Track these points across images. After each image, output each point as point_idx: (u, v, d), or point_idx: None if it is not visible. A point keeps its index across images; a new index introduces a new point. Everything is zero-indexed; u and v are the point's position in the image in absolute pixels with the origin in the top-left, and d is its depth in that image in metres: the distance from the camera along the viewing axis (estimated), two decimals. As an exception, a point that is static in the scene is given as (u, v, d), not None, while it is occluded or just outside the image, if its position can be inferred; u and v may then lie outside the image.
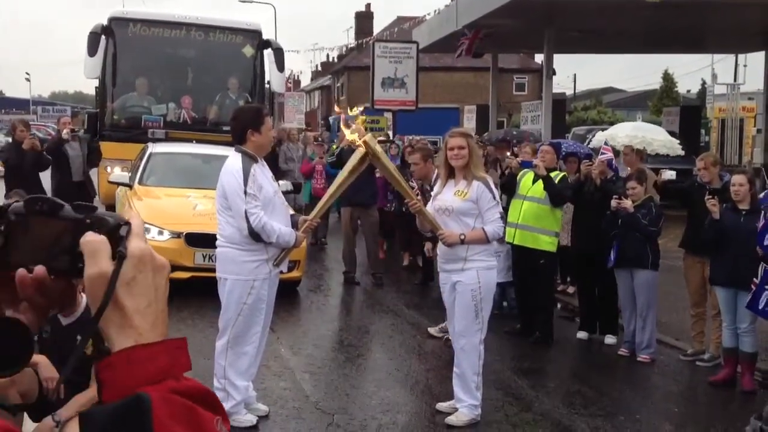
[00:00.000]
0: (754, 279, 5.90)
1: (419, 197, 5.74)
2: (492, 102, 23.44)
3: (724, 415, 5.94)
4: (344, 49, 43.76)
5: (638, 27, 18.81)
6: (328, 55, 52.85)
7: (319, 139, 14.89)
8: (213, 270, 5.40)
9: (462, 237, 5.23)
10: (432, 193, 5.64)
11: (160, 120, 12.54)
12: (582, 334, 7.89)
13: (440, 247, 5.47)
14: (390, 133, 17.65)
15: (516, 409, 5.80)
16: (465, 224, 5.29)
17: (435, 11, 24.00)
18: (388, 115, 19.17)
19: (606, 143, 8.84)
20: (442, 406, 5.60)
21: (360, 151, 5.00)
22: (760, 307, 5.94)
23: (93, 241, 0.94)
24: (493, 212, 5.34)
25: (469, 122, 22.67)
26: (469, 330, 5.35)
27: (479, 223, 5.30)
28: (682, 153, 13.48)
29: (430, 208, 5.43)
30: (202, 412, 0.88)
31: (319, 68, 56.57)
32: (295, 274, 8.60)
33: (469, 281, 5.29)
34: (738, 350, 6.46)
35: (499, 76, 23.91)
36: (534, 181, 7.53)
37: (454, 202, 5.31)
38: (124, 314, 0.92)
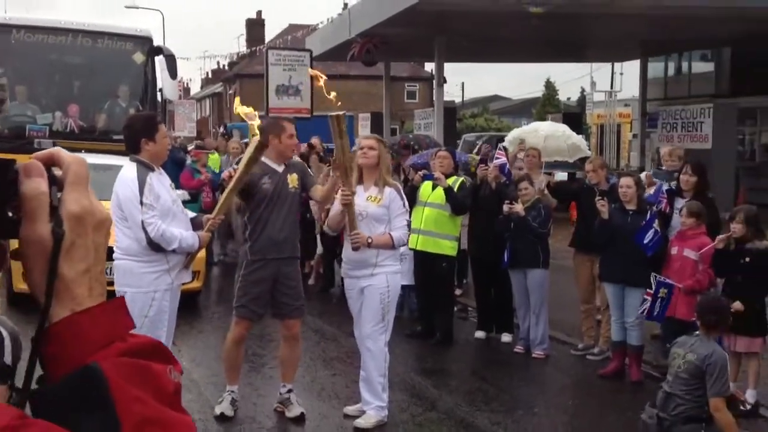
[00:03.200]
0: (648, 290, 6.24)
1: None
2: (385, 110, 23.76)
3: (614, 405, 6.26)
4: (235, 56, 43.28)
5: (524, 37, 19.52)
6: (218, 63, 52.12)
7: (204, 146, 14.53)
8: (110, 284, 5.26)
9: (369, 240, 5.32)
10: (337, 196, 5.65)
11: (45, 129, 12.04)
12: (480, 334, 8.15)
13: (347, 254, 5.51)
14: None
15: (421, 409, 5.95)
16: (375, 229, 5.36)
17: (328, 19, 24.15)
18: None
19: (501, 148, 9.13)
20: (349, 409, 5.68)
21: (255, 140, 4.86)
22: (655, 314, 6.32)
23: (33, 197, 0.86)
24: (401, 219, 5.47)
25: (364, 129, 22.88)
26: (375, 333, 5.46)
27: (387, 229, 5.40)
28: (590, 153, 14.05)
29: (338, 206, 5.43)
30: (155, 366, 0.86)
31: (210, 76, 55.67)
32: (195, 284, 8.46)
33: (379, 285, 5.39)
34: (626, 343, 6.85)
35: (391, 84, 24.26)
36: (434, 188, 7.71)
37: (368, 207, 5.36)
38: (62, 283, 0.86)
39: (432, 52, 19.94)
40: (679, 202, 6.89)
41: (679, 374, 4.65)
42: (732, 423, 4.55)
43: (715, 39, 21.51)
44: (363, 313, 5.48)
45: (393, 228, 5.41)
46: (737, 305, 5.67)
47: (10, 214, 0.86)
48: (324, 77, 5.31)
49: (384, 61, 23.22)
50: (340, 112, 4.92)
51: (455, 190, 7.58)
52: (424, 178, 7.88)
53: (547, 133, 12.34)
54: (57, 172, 0.89)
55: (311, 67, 19.66)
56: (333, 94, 5.00)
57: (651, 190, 7.56)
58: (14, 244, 0.91)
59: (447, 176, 7.64)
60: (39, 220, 0.86)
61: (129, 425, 0.81)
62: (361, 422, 5.46)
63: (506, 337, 7.99)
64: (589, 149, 27.29)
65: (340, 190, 5.27)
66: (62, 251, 0.85)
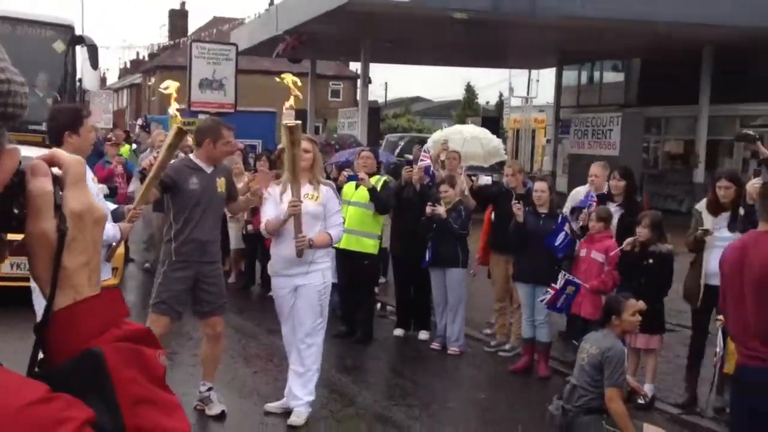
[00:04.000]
0: (553, 284, 6.59)
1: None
2: (310, 107, 23.81)
3: (523, 398, 6.59)
4: (156, 47, 42.42)
5: (445, 41, 19.92)
6: (138, 53, 50.95)
7: (112, 138, 14.24)
8: (25, 279, 5.15)
9: (311, 242, 5.39)
10: (266, 196, 5.72)
11: (-43, 117, 11.65)
12: (399, 332, 8.38)
13: (280, 252, 5.55)
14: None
15: (340, 405, 6.13)
16: (312, 227, 5.42)
17: (255, 14, 24.02)
18: (204, 117, 18.88)
19: (425, 150, 9.38)
20: (270, 406, 5.76)
21: (175, 126, 4.79)
22: (558, 306, 6.68)
23: (39, 195, 0.93)
24: (337, 217, 5.60)
25: (286, 126, 22.88)
26: (315, 329, 5.58)
27: (322, 227, 5.50)
28: (506, 157, 14.47)
29: (275, 211, 5.47)
30: (146, 351, 0.94)
31: (128, 66, 54.32)
32: (112, 281, 8.39)
33: (316, 282, 5.50)
34: (535, 340, 7.21)
35: (316, 82, 24.35)
36: (357, 187, 7.86)
37: (307, 206, 5.39)
38: (64, 274, 0.93)
39: (358, 51, 20.14)
40: (612, 206, 7.18)
41: (584, 367, 4.98)
42: (624, 413, 4.88)
43: (626, 50, 22.48)
44: (301, 311, 5.52)
45: (329, 226, 5.51)
46: (641, 305, 6.05)
47: (16, 210, 0.93)
48: (296, 93, 5.39)
49: (310, 58, 23.29)
50: (295, 122, 5.00)
51: (378, 189, 7.75)
52: (349, 179, 8.02)
53: (471, 136, 12.68)
54: (56, 171, 0.96)
55: (236, 62, 19.58)
56: (289, 103, 5.08)
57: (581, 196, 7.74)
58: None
59: (370, 175, 7.77)
60: (44, 217, 0.93)
61: (127, 404, 0.89)
62: (295, 420, 5.53)
63: (423, 335, 8.24)
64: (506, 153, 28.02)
65: (288, 200, 5.27)
66: (65, 245, 0.93)
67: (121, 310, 0.97)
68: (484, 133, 13.43)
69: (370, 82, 21.01)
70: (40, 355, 0.95)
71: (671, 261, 6.33)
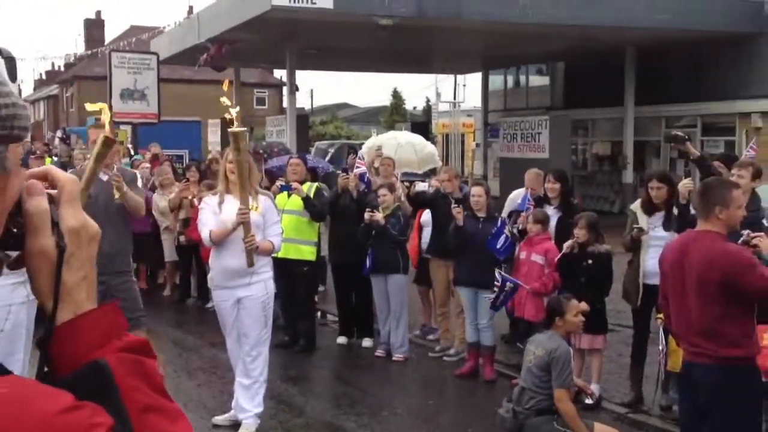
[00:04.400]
0: (496, 282, 6.64)
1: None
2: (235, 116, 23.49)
3: (470, 402, 6.61)
4: (73, 57, 41.19)
5: (370, 47, 19.95)
6: (53, 63, 49.39)
7: (36, 151, 13.80)
8: None
9: (257, 246, 5.31)
10: (202, 206, 5.60)
11: None
12: (342, 339, 8.31)
13: (222, 265, 5.45)
14: (130, 147, 16.96)
15: (289, 415, 6.04)
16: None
17: (175, 23, 23.55)
18: (127, 128, 18.40)
19: (360, 157, 9.34)
20: (218, 419, 5.66)
21: (102, 136, 4.76)
22: (499, 303, 6.74)
23: (36, 213, 0.95)
24: (276, 227, 5.54)
25: (214, 135, 22.48)
26: (260, 340, 5.50)
27: (261, 238, 5.41)
28: (440, 163, 14.52)
29: (215, 221, 5.38)
30: (147, 361, 0.98)
31: (44, 77, 52.62)
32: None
33: (259, 293, 5.41)
34: (479, 344, 7.24)
35: (241, 90, 24.06)
36: (289, 195, 7.75)
37: (249, 216, 5.32)
38: (64, 289, 0.97)
39: (283, 59, 19.97)
40: (549, 209, 7.27)
41: (531, 369, 5.02)
42: (574, 413, 4.94)
43: (550, 54, 22.97)
44: (246, 323, 5.45)
45: (268, 236, 5.46)
46: (583, 306, 6.14)
47: (15, 229, 0.96)
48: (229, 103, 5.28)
49: (234, 66, 22.99)
50: (240, 129, 4.93)
51: (311, 196, 7.69)
52: (281, 189, 7.88)
53: (405, 141, 12.72)
54: (50, 191, 0.99)
55: (158, 71, 19.17)
56: (231, 109, 4.99)
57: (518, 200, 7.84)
58: None
59: (301, 183, 7.71)
60: (42, 234, 0.96)
61: (135, 412, 0.91)
62: None
63: (367, 342, 8.19)
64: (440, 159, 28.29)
65: (238, 208, 5.17)
66: (64, 261, 0.96)
67: (120, 323, 1.00)
68: (419, 139, 13.50)
69: (297, 89, 20.87)
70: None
71: (610, 261, 6.45)
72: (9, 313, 4.71)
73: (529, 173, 7.93)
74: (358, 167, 8.44)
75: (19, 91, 45.68)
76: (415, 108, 49.84)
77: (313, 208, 7.64)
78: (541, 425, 4.94)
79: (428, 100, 43.55)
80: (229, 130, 4.97)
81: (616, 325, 7.72)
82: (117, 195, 5.37)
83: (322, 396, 6.58)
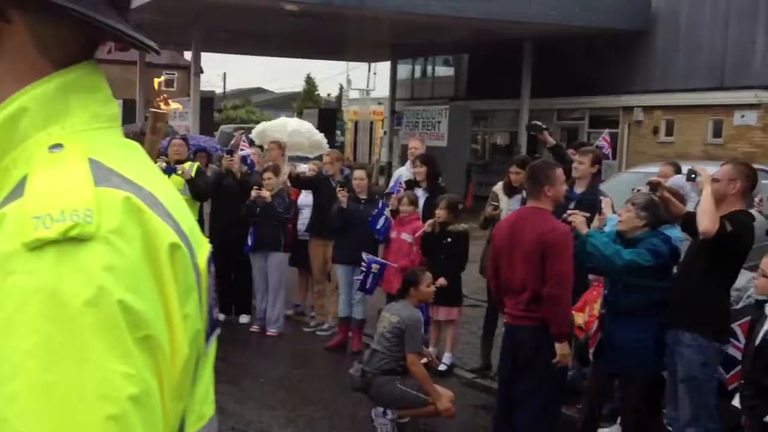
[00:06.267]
0: (363, 265, 6.94)
1: None
2: (139, 97, 23.19)
3: (334, 371, 6.86)
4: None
5: (281, 32, 20.03)
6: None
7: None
8: None
9: None
10: None
11: None
12: (219, 316, 8.48)
13: None
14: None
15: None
16: None
17: (77, 0, 22.96)
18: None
19: (245, 140, 9.51)
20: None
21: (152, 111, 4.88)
22: (367, 287, 7.05)
23: None
24: None
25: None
26: None
27: None
28: (328, 149, 14.73)
29: None
30: None
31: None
32: None
33: None
34: (351, 318, 7.56)
35: (147, 71, 23.72)
36: (169, 175, 7.87)
37: None
38: None
39: (189, 40, 19.83)
40: (418, 191, 7.60)
41: (384, 334, 5.38)
42: (426, 375, 5.33)
43: (455, 46, 23.52)
44: None
45: None
46: (441, 281, 6.53)
47: None
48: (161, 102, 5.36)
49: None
50: (163, 110, 5.04)
51: (193, 174, 7.85)
52: (165, 171, 7.96)
53: (294, 129, 12.95)
54: None
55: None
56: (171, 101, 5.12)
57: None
58: None
59: (183, 161, 7.86)
60: None
61: None
62: None
63: (244, 318, 8.40)
64: (342, 144, 28.51)
65: None
66: None
67: None
68: (307, 126, 13.79)
69: (201, 71, 20.76)
70: None
71: (467, 239, 6.87)
72: None
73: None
74: (242, 149, 8.62)
75: None
76: (329, 95, 49.97)
77: (197, 188, 7.81)
78: (385, 384, 5.32)
79: (341, 87, 43.77)
80: (151, 109, 5.11)
81: (481, 300, 8.15)
82: None
83: (189, 367, 6.75)
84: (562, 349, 4.37)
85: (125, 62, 29.83)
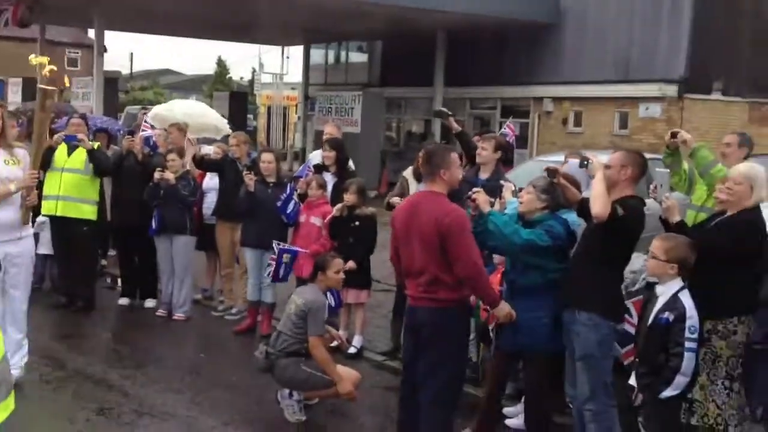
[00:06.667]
0: (272, 256, 6.88)
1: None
2: (39, 75, 22.25)
3: (242, 355, 6.78)
4: None
5: (189, 12, 19.56)
6: None
7: None
8: None
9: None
10: None
11: None
12: (123, 301, 8.29)
13: None
14: None
15: (50, 368, 6.04)
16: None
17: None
18: None
19: (146, 122, 9.28)
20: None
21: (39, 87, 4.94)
22: (281, 276, 6.99)
23: None
24: None
25: (15, 95, 21.21)
26: (26, 296, 5.59)
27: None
28: (230, 132, 14.47)
29: None
30: None
31: None
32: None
33: (30, 249, 5.53)
34: (260, 302, 7.50)
35: (49, 49, 22.77)
36: (69, 153, 7.66)
37: (13, 171, 5.32)
38: None
39: (92, 18, 19.17)
40: (327, 175, 7.56)
41: (290, 316, 5.39)
42: (327, 358, 5.35)
43: (369, 33, 23.53)
44: (17, 279, 5.46)
45: None
46: (351, 264, 6.55)
47: None
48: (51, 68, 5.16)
49: (39, 23, 21.73)
50: (51, 87, 4.89)
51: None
52: (66, 140, 7.71)
53: (184, 112, 12.71)
54: None
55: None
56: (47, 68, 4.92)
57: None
58: None
59: None
60: None
61: None
62: None
63: (150, 303, 8.22)
64: (255, 129, 28.09)
65: (28, 171, 5.21)
66: None
67: None
68: (200, 108, 13.48)
69: (105, 50, 20.08)
70: None
71: (374, 222, 6.92)
72: None
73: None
74: (143, 130, 8.41)
75: None
76: (242, 78, 49.15)
77: (99, 161, 7.62)
78: (289, 365, 5.32)
79: (254, 71, 43.16)
80: (39, 85, 4.92)
81: (393, 285, 8.21)
82: None
83: (91, 352, 6.58)
84: (500, 311, 4.60)
85: (24, 39, 28.56)
